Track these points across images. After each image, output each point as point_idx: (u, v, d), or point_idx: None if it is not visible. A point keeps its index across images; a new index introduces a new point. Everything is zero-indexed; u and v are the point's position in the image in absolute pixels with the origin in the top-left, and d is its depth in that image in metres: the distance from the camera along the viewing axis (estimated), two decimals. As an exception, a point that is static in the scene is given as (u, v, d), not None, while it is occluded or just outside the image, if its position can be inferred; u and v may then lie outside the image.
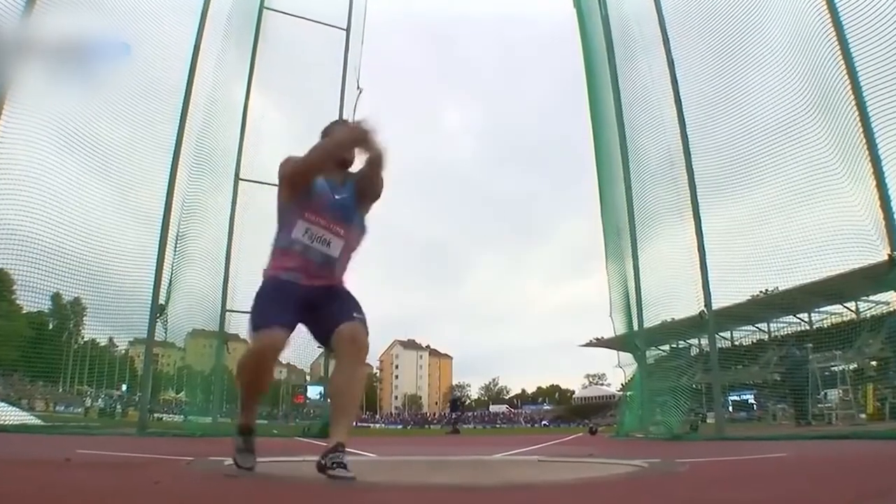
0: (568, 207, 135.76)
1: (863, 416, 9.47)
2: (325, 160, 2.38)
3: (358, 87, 9.95)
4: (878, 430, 6.35)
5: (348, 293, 2.35)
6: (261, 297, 2.28)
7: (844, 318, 11.17)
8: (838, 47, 5.45)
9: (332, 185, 2.39)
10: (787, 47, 6.17)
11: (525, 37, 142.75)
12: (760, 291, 8.12)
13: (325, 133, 2.56)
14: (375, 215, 2.52)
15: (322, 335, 2.28)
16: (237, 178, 8.63)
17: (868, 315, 10.45)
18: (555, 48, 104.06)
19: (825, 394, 9.97)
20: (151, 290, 6.86)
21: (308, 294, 2.27)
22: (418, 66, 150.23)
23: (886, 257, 5.19)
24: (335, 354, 2.25)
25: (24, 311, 7.22)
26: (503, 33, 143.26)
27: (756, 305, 9.42)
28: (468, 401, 79.24)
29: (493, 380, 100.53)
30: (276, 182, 2.42)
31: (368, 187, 2.44)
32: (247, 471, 2.29)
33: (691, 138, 7.33)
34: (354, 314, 2.24)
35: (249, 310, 2.28)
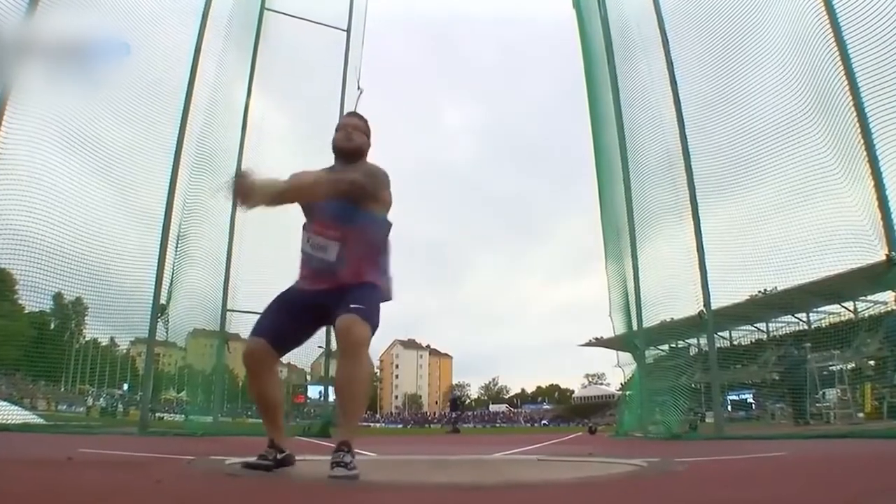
0: (567, 207, 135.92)
1: (861, 415, 9.47)
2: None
3: (358, 88, 9.95)
4: (876, 430, 6.34)
5: (359, 286, 2.22)
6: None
7: (842, 318, 11.17)
8: (836, 48, 5.44)
9: None
10: (786, 48, 6.17)
11: (525, 36, 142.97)
12: (759, 291, 8.13)
13: (338, 129, 2.45)
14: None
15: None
16: (238, 178, 8.63)
17: (866, 315, 10.47)
18: (555, 47, 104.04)
19: (823, 393, 9.97)
20: (153, 290, 6.84)
21: (315, 298, 2.28)
22: (418, 66, 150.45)
23: (884, 257, 5.18)
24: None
25: (27, 311, 7.21)
26: (503, 33, 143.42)
27: (755, 305, 9.43)
28: (468, 400, 79.15)
29: (493, 379, 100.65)
30: None
31: (358, 200, 2.31)
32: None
33: (690, 139, 7.32)
34: (352, 305, 2.11)
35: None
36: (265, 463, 2.25)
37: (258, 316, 2.39)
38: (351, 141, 2.39)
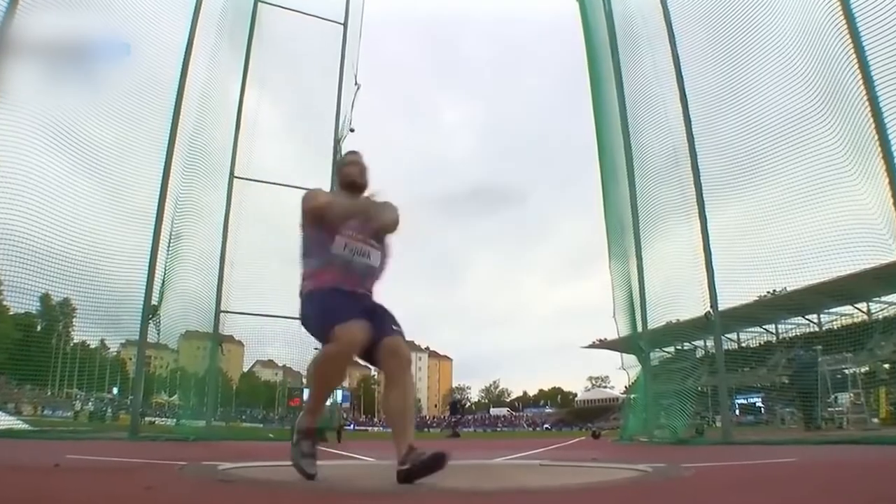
0: (569, 207, 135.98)
1: (875, 420, 9.46)
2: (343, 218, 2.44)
3: (355, 83, 9.96)
4: (892, 435, 6.34)
5: (384, 306, 2.48)
6: (320, 302, 2.37)
7: (855, 320, 11.15)
8: (850, 41, 5.42)
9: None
10: (797, 41, 6.14)
11: (526, 33, 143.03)
12: (768, 292, 8.11)
13: (338, 168, 2.74)
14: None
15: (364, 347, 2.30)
16: (232, 175, 8.63)
17: (880, 316, 10.47)
18: (556, 44, 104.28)
19: (835, 397, 9.97)
20: (144, 291, 6.85)
21: (366, 301, 2.45)
22: (417, 62, 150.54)
23: (899, 257, 5.18)
24: (381, 368, 2.32)
25: (11, 313, 7.20)
26: (503, 29, 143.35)
27: (763, 306, 9.42)
28: (468, 404, 79.24)
29: (494, 382, 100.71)
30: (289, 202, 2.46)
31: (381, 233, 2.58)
32: (310, 478, 2.29)
33: (697, 135, 7.31)
34: (394, 327, 2.36)
35: (307, 319, 2.40)
36: None
37: (331, 308, 2.27)
38: (364, 179, 2.67)
